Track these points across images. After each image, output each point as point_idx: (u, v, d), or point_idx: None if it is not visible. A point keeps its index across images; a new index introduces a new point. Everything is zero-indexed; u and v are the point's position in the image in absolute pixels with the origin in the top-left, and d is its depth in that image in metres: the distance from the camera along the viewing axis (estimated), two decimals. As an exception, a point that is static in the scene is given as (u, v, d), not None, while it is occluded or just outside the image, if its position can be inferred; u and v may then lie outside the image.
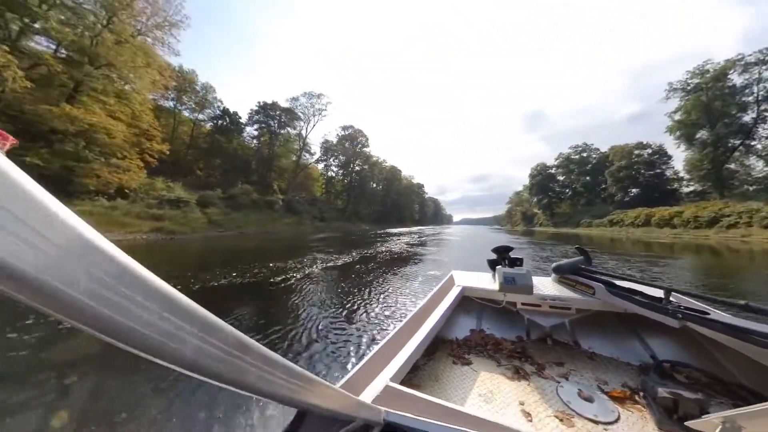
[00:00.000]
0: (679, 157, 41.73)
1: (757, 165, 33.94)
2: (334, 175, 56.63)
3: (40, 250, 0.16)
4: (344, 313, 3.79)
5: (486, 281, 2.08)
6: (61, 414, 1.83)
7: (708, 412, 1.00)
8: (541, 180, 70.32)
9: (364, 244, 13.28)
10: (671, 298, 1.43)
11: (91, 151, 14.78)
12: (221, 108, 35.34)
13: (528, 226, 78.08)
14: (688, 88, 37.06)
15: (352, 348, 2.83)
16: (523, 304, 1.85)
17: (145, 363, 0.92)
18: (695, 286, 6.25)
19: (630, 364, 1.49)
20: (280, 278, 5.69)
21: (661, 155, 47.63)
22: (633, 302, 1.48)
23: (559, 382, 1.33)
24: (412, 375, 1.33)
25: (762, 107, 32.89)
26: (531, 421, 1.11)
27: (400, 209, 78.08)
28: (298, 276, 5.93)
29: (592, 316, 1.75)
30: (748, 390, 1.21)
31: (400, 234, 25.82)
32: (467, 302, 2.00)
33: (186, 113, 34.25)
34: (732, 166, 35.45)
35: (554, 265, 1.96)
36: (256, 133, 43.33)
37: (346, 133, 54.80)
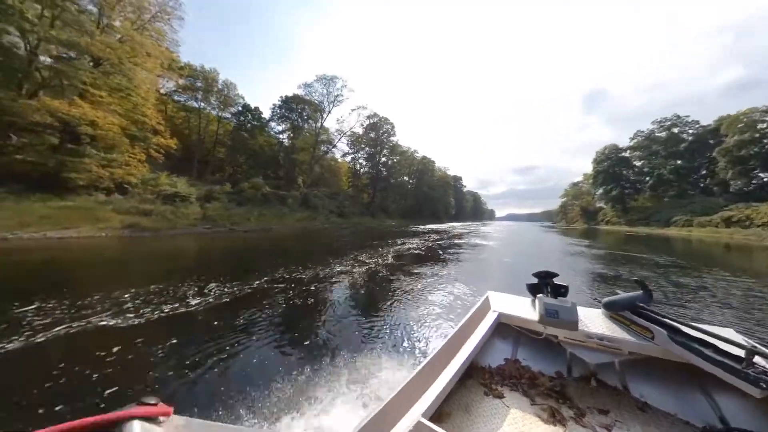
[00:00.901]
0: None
1: None
2: (359, 167, 54.33)
3: None
4: None
5: (525, 307, 1.90)
6: None
7: None
8: (611, 166, 56.76)
9: (344, 250, 10.44)
10: (755, 360, 1.15)
11: (77, 145, 14.56)
12: (242, 104, 35.46)
13: (590, 223, 65.77)
14: None
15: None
16: (566, 336, 1.64)
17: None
18: None
19: (691, 424, 1.26)
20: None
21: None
22: (703, 358, 1.25)
23: None
24: (445, 402, 1.25)
25: None
26: None
27: (433, 203, 72.89)
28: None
29: (649, 359, 1.48)
30: None
31: (419, 233, 22.22)
32: (503, 327, 1.87)
33: (213, 112, 35.21)
34: None
35: (606, 300, 1.67)
36: (281, 127, 43.40)
37: (370, 122, 51.83)
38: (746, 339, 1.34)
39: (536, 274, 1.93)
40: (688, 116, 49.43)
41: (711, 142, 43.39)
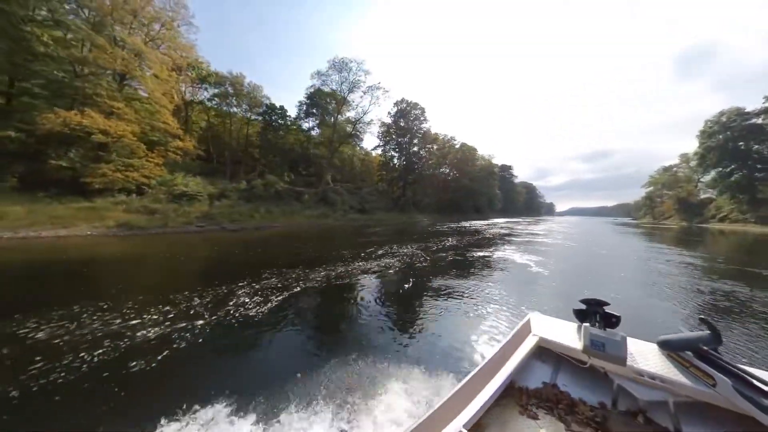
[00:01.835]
0: None
1: None
2: (388, 159, 51.95)
3: None
4: None
5: (568, 333, 1.82)
6: None
7: None
8: (730, 140, 41.52)
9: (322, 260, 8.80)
10: None
11: (88, 152, 16.09)
12: (266, 104, 36.73)
13: (691, 220, 50.67)
14: None
15: None
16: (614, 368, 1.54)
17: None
18: None
19: None
20: None
21: None
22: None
23: None
24: (483, 416, 1.34)
25: None
26: None
27: (474, 196, 66.24)
28: None
29: (709, 404, 1.34)
30: None
31: (431, 234, 19.33)
32: (544, 350, 1.83)
33: (244, 114, 37.41)
34: None
35: (664, 338, 1.52)
36: (309, 124, 44.04)
37: (398, 108, 48.73)
38: None
39: (585, 301, 1.81)
40: None
41: None
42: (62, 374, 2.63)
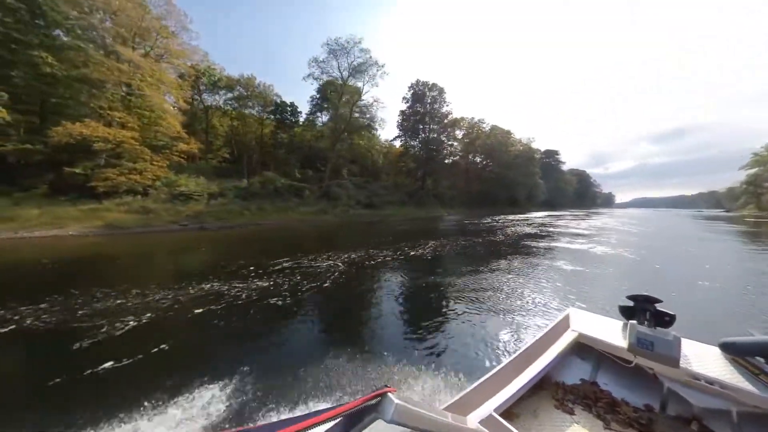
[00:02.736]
0: None
1: None
2: (403, 148, 49.41)
3: None
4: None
5: (610, 330, 1.70)
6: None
7: None
8: None
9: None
10: None
11: (94, 158, 18.11)
12: (275, 102, 37.65)
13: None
14: None
15: None
16: (665, 370, 1.44)
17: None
18: None
19: None
20: None
21: None
22: None
23: None
24: (515, 404, 1.32)
25: None
26: None
27: (510, 187, 59.53)
28: None
29: None
30: None
31: (425, 236, 17.34)
32: (583, 347, 1.74)
33: (257, 114, 39.08)
34: None
35: (727, 340, 1.38)
36: (324, 118, 44.14)
37: (413, 91, 45.40)
38: None
39: (632, 297, 1.65)
40: None
41: None
42: None
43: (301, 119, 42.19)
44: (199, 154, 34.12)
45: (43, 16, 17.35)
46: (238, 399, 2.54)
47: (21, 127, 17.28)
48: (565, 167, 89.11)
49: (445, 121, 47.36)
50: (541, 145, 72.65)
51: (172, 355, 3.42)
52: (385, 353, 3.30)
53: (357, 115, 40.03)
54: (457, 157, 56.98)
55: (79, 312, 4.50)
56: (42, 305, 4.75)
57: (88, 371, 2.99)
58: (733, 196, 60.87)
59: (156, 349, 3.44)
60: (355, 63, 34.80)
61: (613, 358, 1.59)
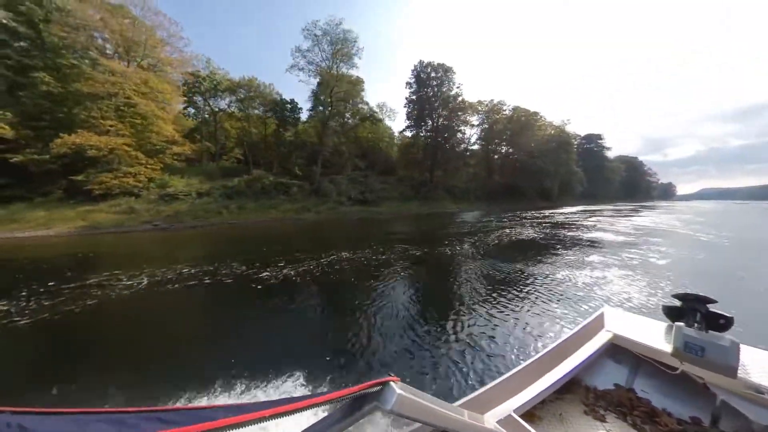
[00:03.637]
0: None
1: None
2: (412, 138, 46.70)
3: None
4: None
5: (651, 332, 1.57)
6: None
7: None
8: None
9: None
10: None
11: (96, 166, 20.57)
12: (274, 100, 38.38)
13: None
14: None
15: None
16: (718, 380, 1.31)
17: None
18: None
19: None
20: None
21: None
22: None
23: None
24: (538, 406, 1.28)
25: None
26: None
27: (538, 177, 52.75)
28: None
29: None
30: None
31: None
32: (618, 349, 1.63)
33: (260, 114, 40.41)
34: None
35: None
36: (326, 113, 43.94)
37: (416, 74, 41.78)
38: None
39: (680, 296, 1.50)
40: None
41: None
42: None
43: (304, 117, 42.62)
44: (209, 156, 37.02)
45: (43, 42, 19.92)
46: None
47: (32, 140, 20.35)
48: (611, 154, 75.37)
49: (455, 104, 42.93)
50: (580, 129, 62.29)
51: None
52: None
53: (352, 105, 38.82)
54: (475, 145, 52.20)
55: None
56: None
57: None
58: None
59: None
60: (338, 46, 32.98)
61: (654, 363, 1.49)
